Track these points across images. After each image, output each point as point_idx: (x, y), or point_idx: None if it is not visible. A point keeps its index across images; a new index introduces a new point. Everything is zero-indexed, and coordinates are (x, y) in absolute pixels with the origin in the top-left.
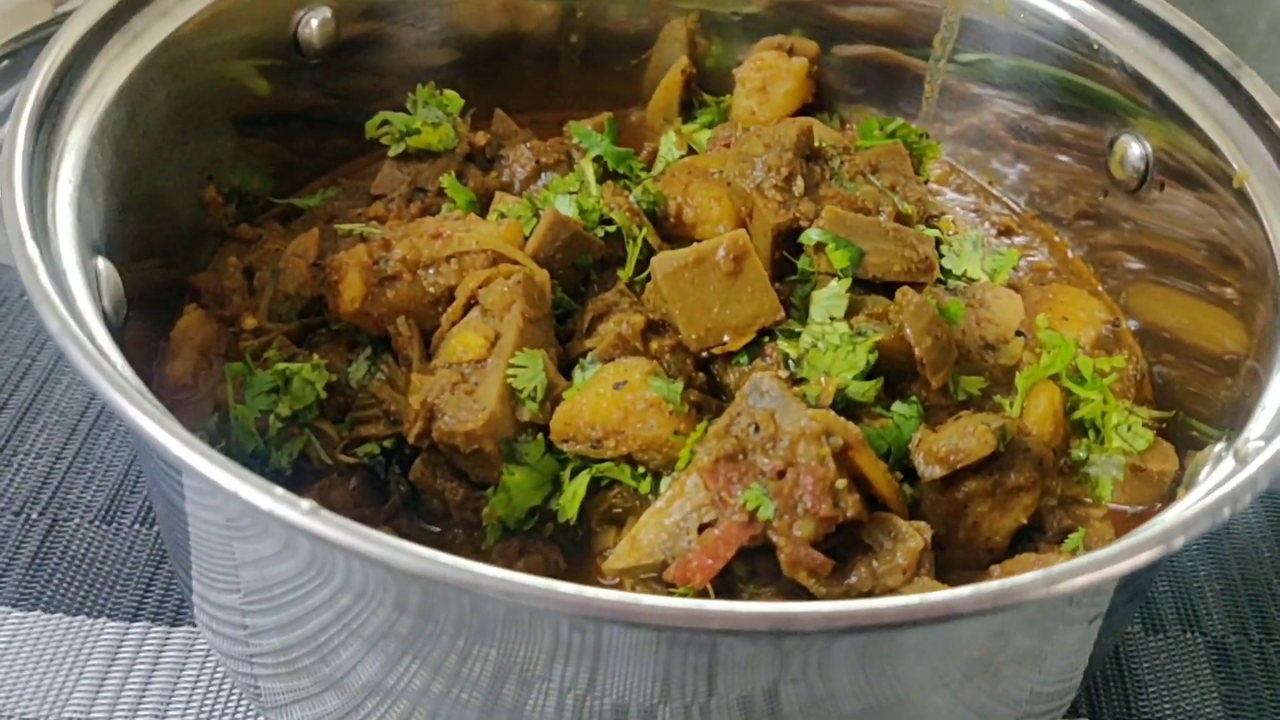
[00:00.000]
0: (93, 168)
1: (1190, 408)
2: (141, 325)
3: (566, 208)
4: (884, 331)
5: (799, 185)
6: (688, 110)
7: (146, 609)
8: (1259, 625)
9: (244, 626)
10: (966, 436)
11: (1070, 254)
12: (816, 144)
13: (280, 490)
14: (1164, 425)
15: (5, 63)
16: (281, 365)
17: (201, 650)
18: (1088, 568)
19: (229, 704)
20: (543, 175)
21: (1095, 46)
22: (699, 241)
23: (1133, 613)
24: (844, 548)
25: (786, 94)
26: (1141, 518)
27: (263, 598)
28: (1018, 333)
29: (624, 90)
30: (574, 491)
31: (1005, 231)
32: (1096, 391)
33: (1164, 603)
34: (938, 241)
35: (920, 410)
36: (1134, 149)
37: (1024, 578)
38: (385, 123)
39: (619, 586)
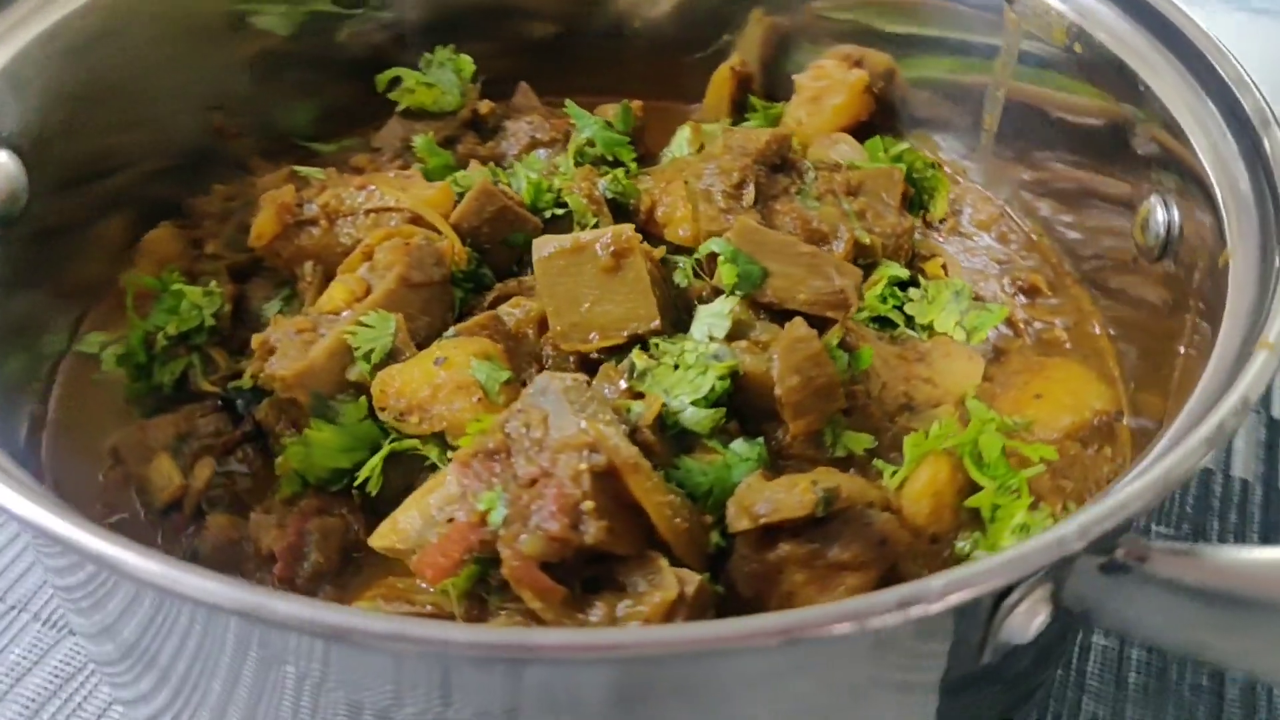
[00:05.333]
0: (26, 67)
1: None
2: (121, 228)
3: (521, 182)
4: (747, 360)
5: (749, 194)
6: (740, 112)
7: None
8: None
9: None
10: (786, 493)
11: (1097, 329)
12: (793, 156)
13: None
14: None
15: None
16: (177, 286)
17: None
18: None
19: None
20: (538, 151)
21: (1143, 89)
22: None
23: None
24: (603, 580)
25: (836, 108)
26: None
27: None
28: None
29: (692, 84)
30: (374, 463)
31: (1030, 290)
32: (993, 479)
33: None
34: (907, 284)
35: (762, 454)
36: (1158, 213)
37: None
38: (396, 79)
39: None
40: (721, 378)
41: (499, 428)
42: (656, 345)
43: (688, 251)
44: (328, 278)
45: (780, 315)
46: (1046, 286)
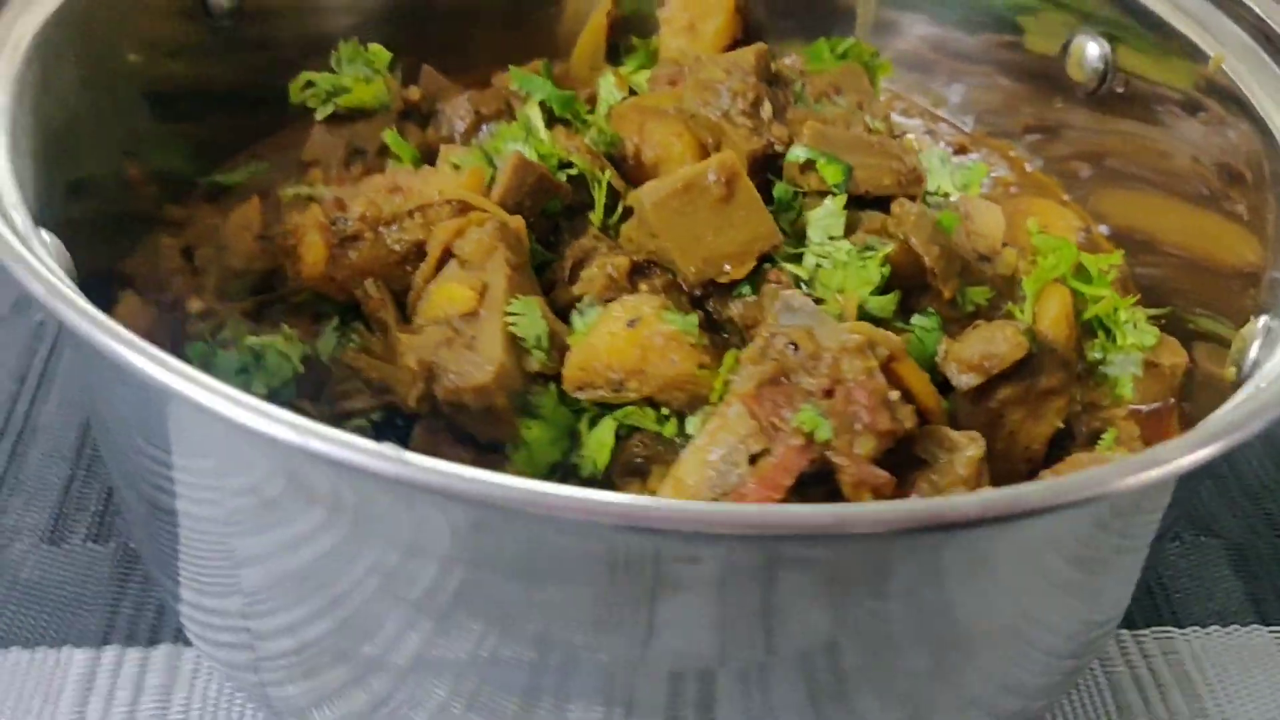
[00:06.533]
0: (19, 134)
1: (1182, 303)
2: None
3: (525, 153)
4: (891, 244)
5: (767, 109)
6: (614, 56)
7: (117, 631)
8: (1269, 526)
9: (247, 630)
10: (997, 341)
11: (1028, 168)
12: (773, 68)
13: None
14: (1162, 321)
15: None
16: (250, 340)
17: (190, 668)
18: (1185, 448)
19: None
20: (484, 127)
21: None
22: None
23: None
24: (899, 465)
25: (716, 30)
26: (1158, 415)
27: (270, 595)
28: (1005, 243)
29: (542, 43)
30: (600, 440)
31: (959, 150)
32: (1105, 288)
33: None
34: None
35: (939, 322)
36: (1091, 48)
37: (1106, 469)
38: (309, 84)
39: None
40: (882, 264)
41: (759, 357)
42: (793, 257)
43: None
44: (392, 291)
45: (864, 203)
46: (969, 144)
